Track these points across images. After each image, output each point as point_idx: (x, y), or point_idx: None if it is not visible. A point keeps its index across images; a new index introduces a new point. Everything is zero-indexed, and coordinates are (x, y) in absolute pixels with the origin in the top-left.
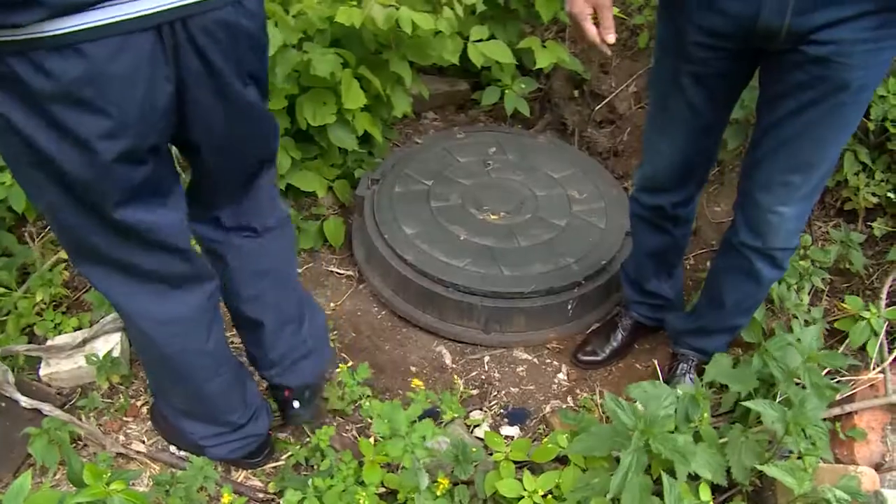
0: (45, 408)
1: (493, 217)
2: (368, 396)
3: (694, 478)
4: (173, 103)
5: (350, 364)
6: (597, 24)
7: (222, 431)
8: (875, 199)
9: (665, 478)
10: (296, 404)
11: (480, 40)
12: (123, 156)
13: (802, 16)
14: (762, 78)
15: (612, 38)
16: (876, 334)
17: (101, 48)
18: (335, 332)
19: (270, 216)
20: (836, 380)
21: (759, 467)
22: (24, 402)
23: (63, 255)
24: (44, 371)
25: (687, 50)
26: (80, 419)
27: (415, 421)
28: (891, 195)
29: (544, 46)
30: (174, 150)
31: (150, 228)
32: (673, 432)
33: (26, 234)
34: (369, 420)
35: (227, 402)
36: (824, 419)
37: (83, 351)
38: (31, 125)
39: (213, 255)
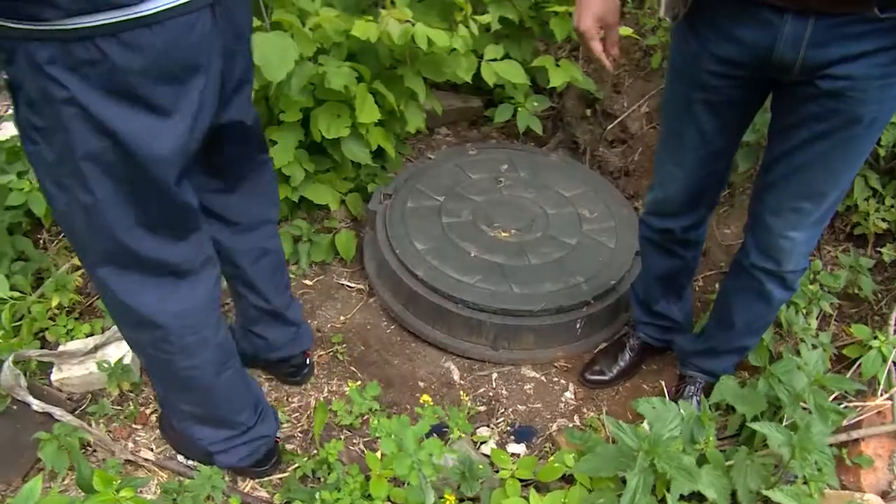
0: (57, 412)
1: (503, 234)
2: (376, 411)
3: (700, 501)
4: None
5: (359, 382)
6: (604, 41)
7: (231, 435)
8: (885, 225)
9: (670, 499)
10: (308, 360)
11: (495, 59)
12: (202, 126)
13: (817, 49)
14: (774, 106)
15: (615, 51)
16: (885, 361)
17: (181, 23)
18: (344, 346)
19: (276, 204)
20: (843, 405)
21: (764, 492)
22: (36, 405)
23: (77, 261)
24: (55, 376)
25: (700, 77)
26: (90, 425)
27: (422, 438)
28: None
29: (558, 65)
30: None
31: (190, 208)
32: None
33: (41, 241)
34: (377, 435)
35: (236, 398)
36: (831, 445)
37: (94, 357)
38: (110, 106)
39: (234, 266)
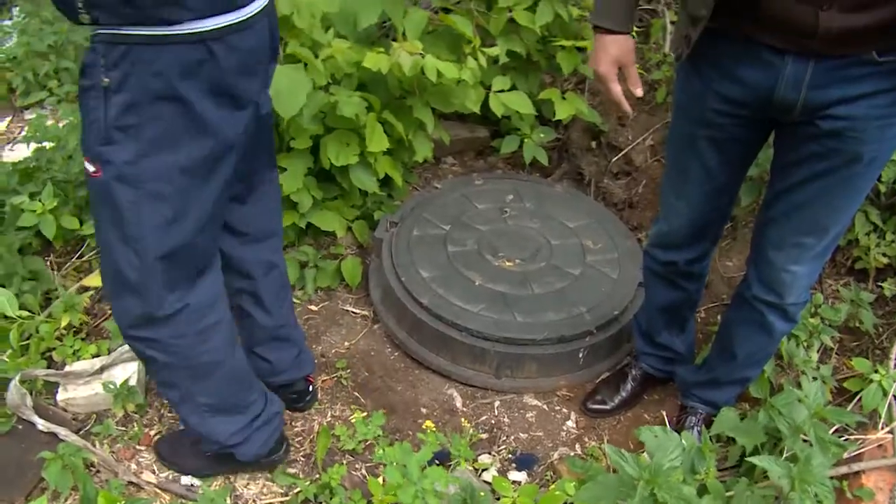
0: (62, 432)
1: (508, 264)
2: (380, 437)
3: None
4: None
5: (365, 414)
6: (622, 81)
7: (247, 422)
8: (885, 260)
9: None
10: (311, 387)
11: (502, 91)
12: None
13: (818, 90)
14: (777, 144)
15: (639, 91)
16: (885, 395)
17: (260, 26)
18: (348, 371)
19: (281, 219)
20: (843, 438)
21: None
22: (42, 425)
23: (87, 282)
24: (61, 396)
25: (704, 115)
26: (94, 445)
27: (425, 466)
28: None
29: (564, 98)
30: None
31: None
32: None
33: (50, 262)
34: (381, 461)
35: (246, 377)
36: (831, 477)
37: (100, 378)
38: (208, 103)
39: (245, 277)
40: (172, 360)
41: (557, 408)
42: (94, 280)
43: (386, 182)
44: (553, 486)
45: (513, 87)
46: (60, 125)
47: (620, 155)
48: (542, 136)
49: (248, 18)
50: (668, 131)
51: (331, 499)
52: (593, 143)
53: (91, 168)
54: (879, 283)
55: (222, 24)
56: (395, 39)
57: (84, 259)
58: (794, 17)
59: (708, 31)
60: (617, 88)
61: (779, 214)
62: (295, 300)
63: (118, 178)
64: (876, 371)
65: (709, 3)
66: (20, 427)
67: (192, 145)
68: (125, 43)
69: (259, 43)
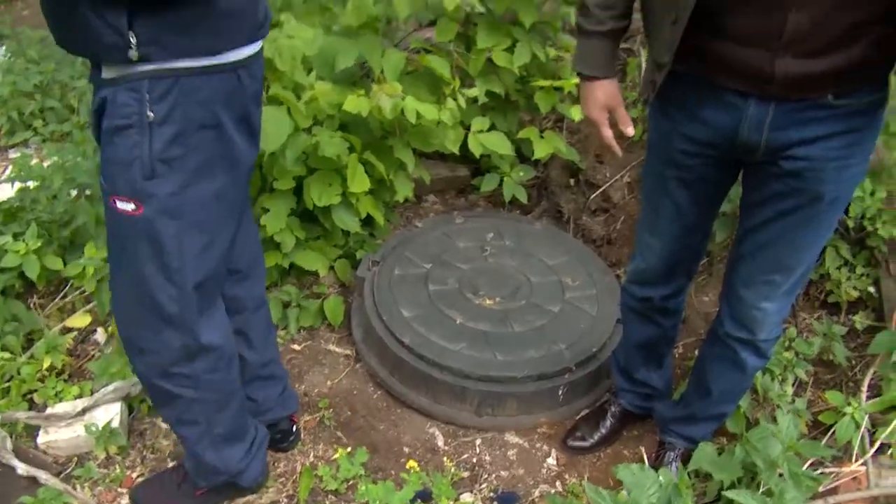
0: (42, 476)
1: (488, 302)
2: (362, 476)
3: None
4: None
5: (348, 449)
6: (613, 124)
7: (248, 448)
8: (856, 293)
9: None
10: (294, 427)
11: (481, 131)
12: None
13: (779, 132)
14: (744, 184)
15: (630, 130)
16: (858, 427)
17: (262, 59)
18: (331, 411)
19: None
20: (819, 471)
21: None
22: (21, 469)
23: (70, 323)
24: (42, 439)
25: (673, 155)
26: (75, 489)
27: None
28: (871, 289)
29: (542, 136)
30: None
31: None
32: None
33: (32, 304)
34: (364, 500)
35: (245, 404)
36: None
37: (83, 420)
38: (237, 128)
39: (238, 314)
40: (202, 394)
41: (538, 445)
42: (78, 321)
43: (368, 221)
44: None
45: (492, 127)
46: (45, 165)
47: (598, 192)
48: (521, 174)
49: (260, 50)
50: (642, 169)
51: None
52: (572, 181)
53: (129, 207)
54: (851, 317)
55: (250, 54)
56: (375, 81)
57: (67, 300)
58: (751, 63)
59: (672, 74)
60: (608, 133)
61: (746, 253)
62: (278, 340)
63: (162, 211)
64: (849, 404)
65: (671, 50)
66: None
67: (225, 172)
68: (172, 75)
69: (263, 73)
